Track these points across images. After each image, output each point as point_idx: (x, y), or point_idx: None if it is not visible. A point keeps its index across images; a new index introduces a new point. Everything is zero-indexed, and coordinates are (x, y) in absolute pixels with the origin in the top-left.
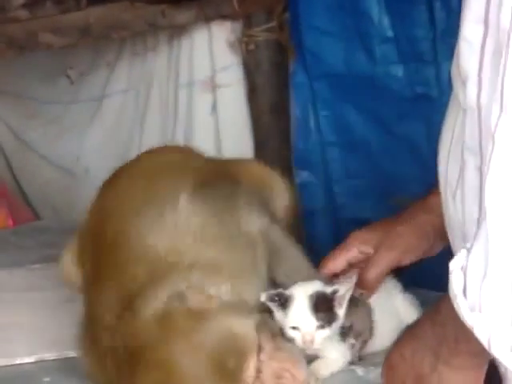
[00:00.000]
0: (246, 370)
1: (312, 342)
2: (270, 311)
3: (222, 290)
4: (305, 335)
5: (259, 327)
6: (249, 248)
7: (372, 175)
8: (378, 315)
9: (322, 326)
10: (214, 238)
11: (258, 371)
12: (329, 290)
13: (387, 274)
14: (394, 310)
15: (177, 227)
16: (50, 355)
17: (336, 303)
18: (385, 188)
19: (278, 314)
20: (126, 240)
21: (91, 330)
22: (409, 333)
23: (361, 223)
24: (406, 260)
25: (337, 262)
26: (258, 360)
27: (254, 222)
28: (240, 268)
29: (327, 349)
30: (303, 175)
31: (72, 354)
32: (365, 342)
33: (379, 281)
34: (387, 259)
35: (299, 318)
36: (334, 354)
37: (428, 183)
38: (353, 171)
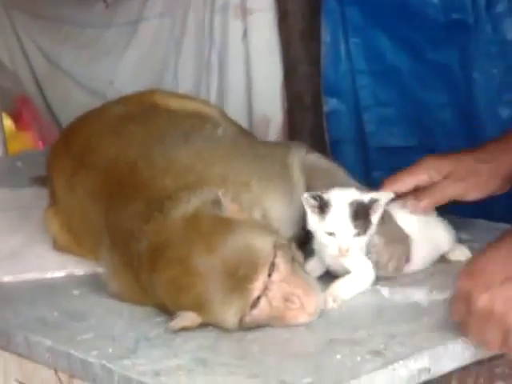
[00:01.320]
0: (254, 281)
1: (347, 250)
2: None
3: (254, 207)
4: (341, 242)
5: (279, 247)
6: (284, 175)
7: (403, 103)
8: (413, 239)
9: (358, 234)
10: (245, 156)
11: (268, 288)
12: (366, 198)
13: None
14: (429, 235)
15: (207, 143)
16: (79, 270)
17: (372, 212)
18: (415, 116)
19: (313, 218)
20: (148, 162)
21: (117, 249)
22: (499, 241)
23: (390, 152)
24: (471, 196)
25: (405, 183)
26: (270, 278)
27: (287, 152)
28: (274, 191)
29: (353, 265)
30: (332, 103)
31: (100, 270)
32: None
33: (431, 207)
34: (453, 189)
35: (337, 223)
36: (359, 272)
37: (460, 112)
38: (383, 99)
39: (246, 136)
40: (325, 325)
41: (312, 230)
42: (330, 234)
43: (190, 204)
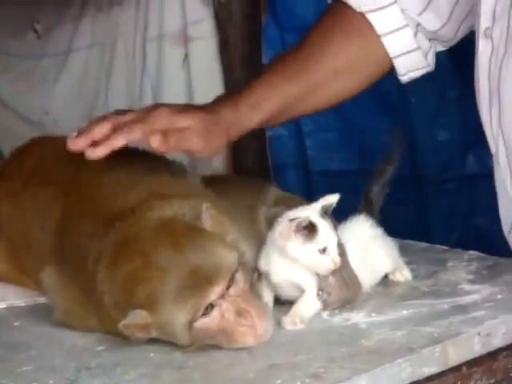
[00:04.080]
0: (214, 284)
1: (338, 259)
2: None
3: (230, 230)
4: (334, 254)
5: (243, 265)
6: (252, 219)
7: (343, 128)
8: (354, 262)
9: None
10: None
11: (223, 299)
12: (325, 206)
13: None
14: (368, 259)
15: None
16: (19, 301)
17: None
18: (355, 140)
19: (295, 244)
20: (115, 178)
21: (67, 265)
22: None
23: (331, 175)
24: (201, 154)
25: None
26: (227, 290)
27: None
28: (245, 228)
29: (308, 285)
30: (275, 128)
31: (42, 300)
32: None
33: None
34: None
35: (328, 237)
36: (314, 290)
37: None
38: (324, 124)
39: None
40: (265, 350)
41: (293, 256)
42: (324, 250)
43: (166, 211)
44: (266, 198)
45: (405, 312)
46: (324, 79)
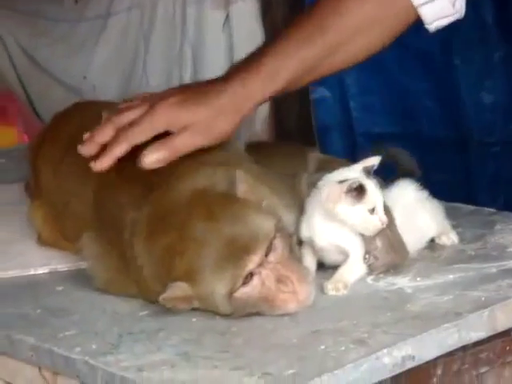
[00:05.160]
0: (252, 253)
1: (385, 218)
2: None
3: (268, 197)
4: (381, 213)
5: (281, 231)
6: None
7: (386, 90)
8: (400, 226)
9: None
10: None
11: (263, 267)
12: (364, 165)
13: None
14: (413, 223)
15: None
16: (62, 266)
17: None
18: (399, 103)
19: (344, 206)
20: None
21: (105, 232)
22: None
23: (375, 138)
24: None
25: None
26: (267, 257)
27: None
28: (286, 195)
29: (354, 249)
30: (319, 91)
31: (84, 265)
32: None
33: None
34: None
35: (376, 197)
36: (358, 255)
37: (443, 99)
38: (367, 86)
39: None
40: (308, 316)
41: (342, 218)
42: (372, 210)
43: (200, 181)
44: (309, 165)
45: (451, 276)
46: (342, 39)
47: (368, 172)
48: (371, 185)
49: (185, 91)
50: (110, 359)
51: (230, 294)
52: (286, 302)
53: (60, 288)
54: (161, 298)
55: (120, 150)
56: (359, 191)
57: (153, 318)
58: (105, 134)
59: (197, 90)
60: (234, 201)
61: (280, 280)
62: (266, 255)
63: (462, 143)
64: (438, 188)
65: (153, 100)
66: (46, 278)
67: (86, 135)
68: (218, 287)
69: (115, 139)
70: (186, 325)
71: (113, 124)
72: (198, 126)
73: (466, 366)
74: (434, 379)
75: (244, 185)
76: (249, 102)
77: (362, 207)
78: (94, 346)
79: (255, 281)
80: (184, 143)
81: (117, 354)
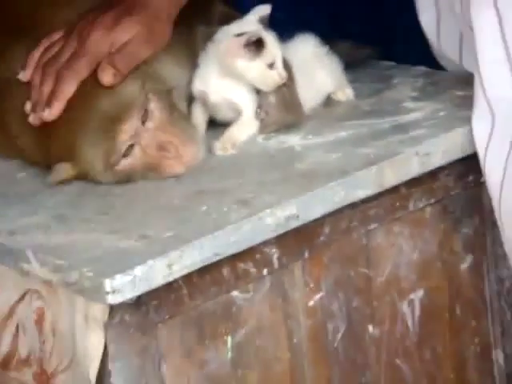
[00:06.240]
0: (123, 122)
1: (284, 74)
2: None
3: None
4: (280, 67)
5: (154, 93)
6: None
7: None
8: (298, 82)
9: None
10: None
11: (141, 136)
12: (259, 14)
13: None
14: (309, 79)
15: None
16: None
17: None
18: None
19: (243, 61)
20: None
21: None
22: None
23: None
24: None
25: None
26: (144, 125)
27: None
28: (176, 51)
29: (246, 105)
30: None
31: None
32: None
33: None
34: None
35: (275, 51)
36: (251, 113)
37: None
38: None
39: None
40: (194, 176)
41: (241, 73)
42: (271, 65)
43: None
44: (212, 17)
45: (343, 133)
46: None
47: (264, 23)
48: (270, 38)
49: (110, 10)
50: None
51: (111, 166)
52: (172, 167)
53: None
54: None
55: (69, 88)
56: (258, 45)
57: (30, 180)
58: (48, 82)
59: (122, 5)
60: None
61: (162, 147)
62: (143, 122)
63: None
64: (354, 40)
65: (79, 31)
66: None
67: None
68: (95, 162)
69: (61, 80)
70: (65, 187)
71: (53, 66)
72: (139, 37)
73: (355, 223)
74: (322, 237)
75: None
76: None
77: (260, 61)
78: None
79: (136, 151)
80: (133, 57)
81: None
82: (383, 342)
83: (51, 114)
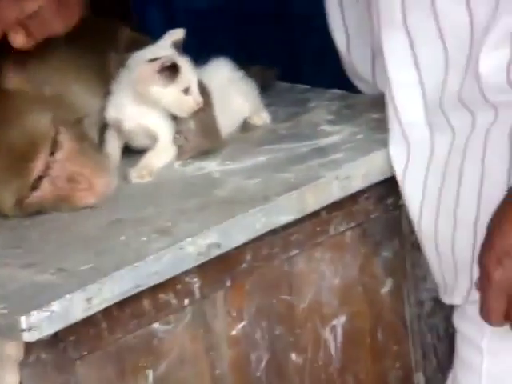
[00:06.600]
0: (33, 159)
1: (200, 99)
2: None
3: (52, 81)
4: (196, 92)
5: (63, 124)
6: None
7: None
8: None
9: None
10: None
11: (50, 168)
12: (171, 39)
13: None
14: (225, 105)
15: None
16: None
17: None
18: None
19: (158, 87)
20: None
21: None
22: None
23: (196, 14)
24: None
25: None
26: (53, 156)
27: None
28: (88, 77)
29: (163, 132)
30: None
31: None
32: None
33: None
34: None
35: (190, 76)
36: (168, 139)
37: None
38: None
39: None
40: (110, 205)
41: (155, 99)
42: (186, 90)
43: None
44: (119, 42)
45: (262, 158)
46: None
47: (178, 48)
48: (185, 63)
49: None
50: None
51: (21, 201)
52: (83, 198)
53: None
54: None
55: None
56: (172, 70)
57: None
58: None
59: None
60: (4, 100)
61: (72, 178)
62: (52, 154)
63: (284, 17)
64: (263, 63)
65: None
66: None
67: None
68: (6, 199)
69: None
70: None
71: None
72: (50, 6)
73: (276, 249)
74: (243, 265)
75: (12, 76)
76: None
77: (175, 87)
78: None
79: (45, 184)
80: (46, 25)
81: None
82: (306, 370)
83: None
